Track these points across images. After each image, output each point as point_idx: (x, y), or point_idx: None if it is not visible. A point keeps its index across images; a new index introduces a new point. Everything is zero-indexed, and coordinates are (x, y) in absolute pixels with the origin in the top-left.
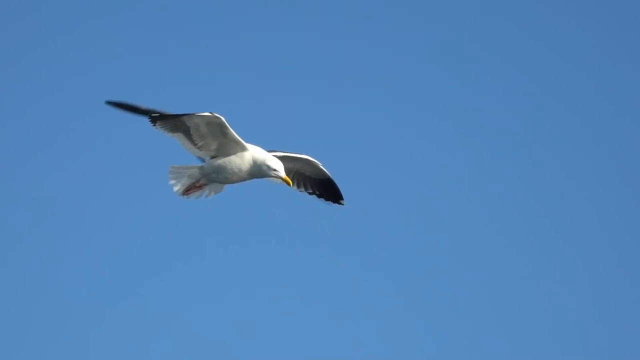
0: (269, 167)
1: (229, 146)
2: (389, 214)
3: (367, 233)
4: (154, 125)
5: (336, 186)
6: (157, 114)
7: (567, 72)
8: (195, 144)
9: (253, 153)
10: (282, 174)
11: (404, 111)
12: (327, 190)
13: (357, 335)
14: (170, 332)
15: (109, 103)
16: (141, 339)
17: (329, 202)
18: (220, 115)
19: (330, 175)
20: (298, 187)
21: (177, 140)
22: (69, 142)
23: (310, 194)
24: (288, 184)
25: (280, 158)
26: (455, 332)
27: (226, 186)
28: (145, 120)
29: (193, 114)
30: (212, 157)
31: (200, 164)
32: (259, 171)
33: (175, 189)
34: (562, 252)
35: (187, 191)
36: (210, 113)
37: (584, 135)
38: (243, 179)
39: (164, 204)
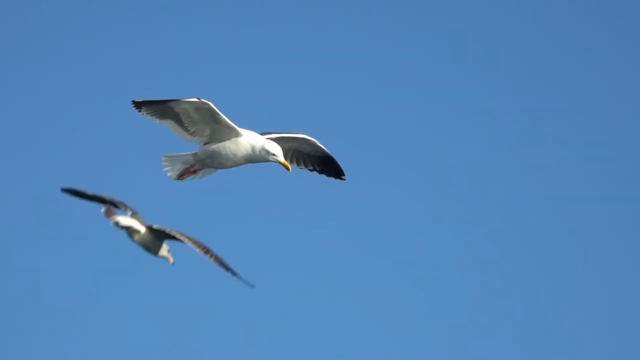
0: (267, 152)
1: (223, 132)
2: (394, 208)
3: (371, 226)
4: (140, 111)
5: (336, 162)
6: (141, 101)
7: (580, 71)
8: (187, 131)
9: (249, 138)
10: (281, 158)
11: (413, 107)
12: (327, 166)
13: (359, 325)
14: (166, 318)
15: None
16: (143, 326)
17: (331, 178)
18: (208, 100)
19: (329, 152)
20: (298, 164)
21: (167, 127)
22: (63, 139)
23: (310, 170)
24: (287, 168)
25: (276, 139)
26: (459, 324)
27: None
28: (140, 116)
29: (179, 100)
30: (206, 143)
31: (193, 151)
32: (256, 156)
33: (169, 174)
34: (566, 247)
35: (181, 176)
36: (198, 98)
37: (597, 135)
38: (238, 164)
39: (160, 193)
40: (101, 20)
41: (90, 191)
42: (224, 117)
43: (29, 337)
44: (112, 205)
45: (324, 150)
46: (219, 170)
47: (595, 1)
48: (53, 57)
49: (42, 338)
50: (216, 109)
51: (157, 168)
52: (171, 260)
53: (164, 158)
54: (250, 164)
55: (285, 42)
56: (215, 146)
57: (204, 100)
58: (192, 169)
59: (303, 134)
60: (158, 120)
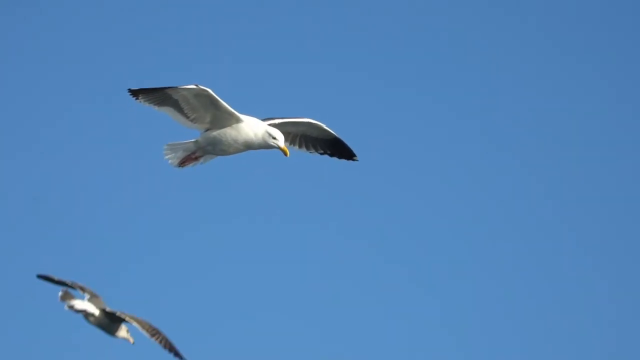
0: (270, 135)
1: (223, 118)
2: (394, 207)
3: (371, 225)
4: (137, 99)
5: (345, 144)
6: (137, 89)
7: (580, 71)
8: (187, 117)
9: (250, 124)
10: (282, 143)
11: (413, 107)
12: (338, 149)
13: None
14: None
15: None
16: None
17: (342, 160)
18: (206, 87)
19: (337, 135)
20: (307, 149)
21: (166, 114)
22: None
23: (321, 154)
24: (285, 153)
25: (282, 124)
26: (460, 322)
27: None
28: (138, 114)
29: (177, 87)
30: (207, 130)
31: (194, 139)
32: (258, 142)
33: (171, 161)
34: (565, 246)
35: (182, 163)
36: (196, 85)
37: (598, 135)
38: (239, 151)
39: (159, 192)
40: (101, 20)
41: (57, 277)
42: (223, 103)
43: (29, 337)
44: (75, 288)
45: (332, 133)
46: (227, 166)
47: (595, 1)
48: (53, 57)
49: (42, 338)
50: (215, 96)
51: (156, 167)
52: (131, 340)
53: (165, 146)
54: (250, 152)
55: (285, 42)
56: (216, 133)
57: (202, 87)
58: (193, 156)
59: (307, 118)
60: (157, 108)
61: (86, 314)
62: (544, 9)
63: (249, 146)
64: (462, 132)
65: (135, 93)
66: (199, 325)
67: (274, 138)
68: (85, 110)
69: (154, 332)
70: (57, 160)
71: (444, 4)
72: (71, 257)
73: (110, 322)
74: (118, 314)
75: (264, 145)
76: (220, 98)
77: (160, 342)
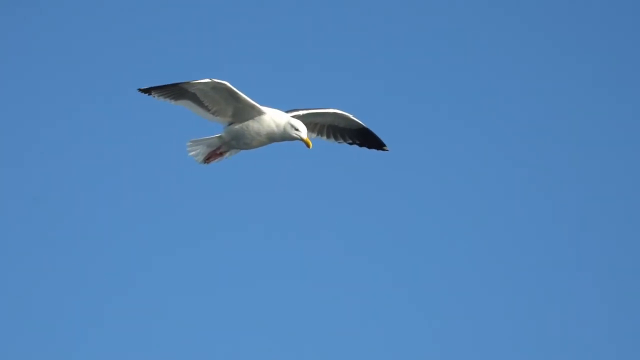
0: (292, 127)
1: (245, 111)
2: (393, 208)
3: (371, 227)
4: (150, 95)
5: (374, 134)
6: (147, 88)
7: (580, 71)
8: (208, 110)
9: (272, 116)
10: (304, 135)
11: (412, 107)
12: (367, 139)
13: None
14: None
15: None
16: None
17: (372, 150)
18: (223, 80)
19: (364, 125)
20: (336, 139)
21: (185, 107)
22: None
23: (350, 144)
24: (308, 145)
25: (308, 115)
26: (458, 326)
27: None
28: (141, 114)
29: (190, 82)
30: (230, 124)
31: (218, 134)
32: (281, 134)
33: (196, 158)
34: (566, 247)
35: (207, 159)
36: (210, 79)
37: (598, 135)
38: (263, 144)
39: (157, 191)
40: (101, 20)
41: None
42: (243, 96)
43: (28, 337)
44: None
45: (359, 123)
46: (226, 170)
47: (595, 1)
48: (53, 57)
49: (41, 338)
50: (234, 88)
51: (156, 166)
52: None
53: (189, 143)
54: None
55: (285, 42)
56: (238, 126)
57: (217, 80)
58: (218, 152)
59: (334, 108)
60: (173, 102)
61: None
62: (544, 9)
63: (271, 138)
64: (462, 132)
65: (146, 91)
66: (199, 327)
67: (297, 129)
68: (85, 110)
69: None
70: (58, 160)
71: (444, 4)
72: (71, 258)
73: None
74: None
75: (287, 137)
76: (240, 90)
77: None
